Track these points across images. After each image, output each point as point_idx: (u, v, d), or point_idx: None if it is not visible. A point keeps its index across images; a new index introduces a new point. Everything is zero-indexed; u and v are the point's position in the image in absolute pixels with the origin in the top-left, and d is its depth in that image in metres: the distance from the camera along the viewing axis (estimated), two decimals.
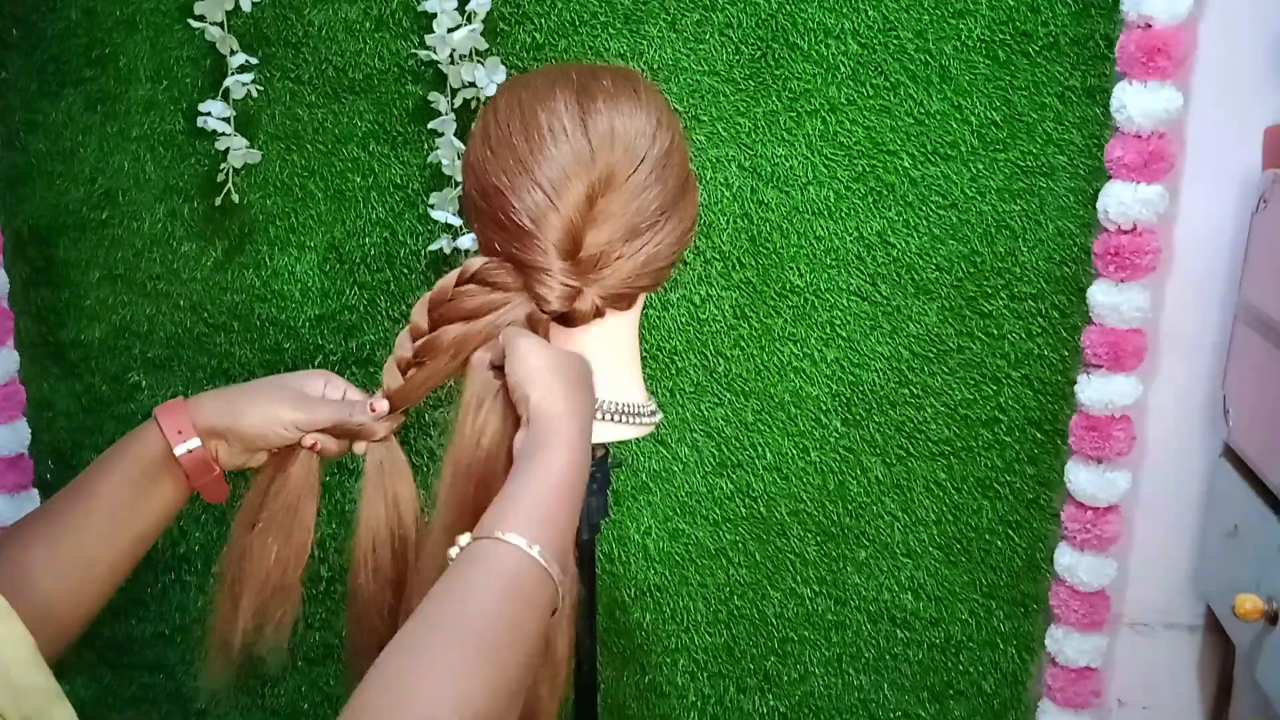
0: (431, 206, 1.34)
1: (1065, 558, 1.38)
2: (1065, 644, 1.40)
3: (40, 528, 0.78)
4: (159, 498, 0.81)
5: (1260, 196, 1.27)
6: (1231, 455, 1.35)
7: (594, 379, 0.77)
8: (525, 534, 0.64)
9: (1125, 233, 1.26)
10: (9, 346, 1.40)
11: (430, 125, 1.30)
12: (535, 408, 0.71)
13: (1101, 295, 1.29)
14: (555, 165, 0.78)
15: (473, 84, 1.28)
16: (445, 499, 0.76)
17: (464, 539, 0.65)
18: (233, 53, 1.28)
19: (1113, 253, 1.26)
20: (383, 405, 0.82)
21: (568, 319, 0.80)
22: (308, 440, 0.82)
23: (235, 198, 1.36)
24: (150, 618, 1.51)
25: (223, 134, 1.30)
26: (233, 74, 1.29)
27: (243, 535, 0.84)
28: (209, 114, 1.29)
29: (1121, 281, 1.27)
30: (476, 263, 0.80)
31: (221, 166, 1.34)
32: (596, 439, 0.86)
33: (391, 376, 0.82)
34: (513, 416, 0.75)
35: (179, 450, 0.80)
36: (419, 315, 0.81)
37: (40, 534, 0.77)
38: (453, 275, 0.81)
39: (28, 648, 0.59)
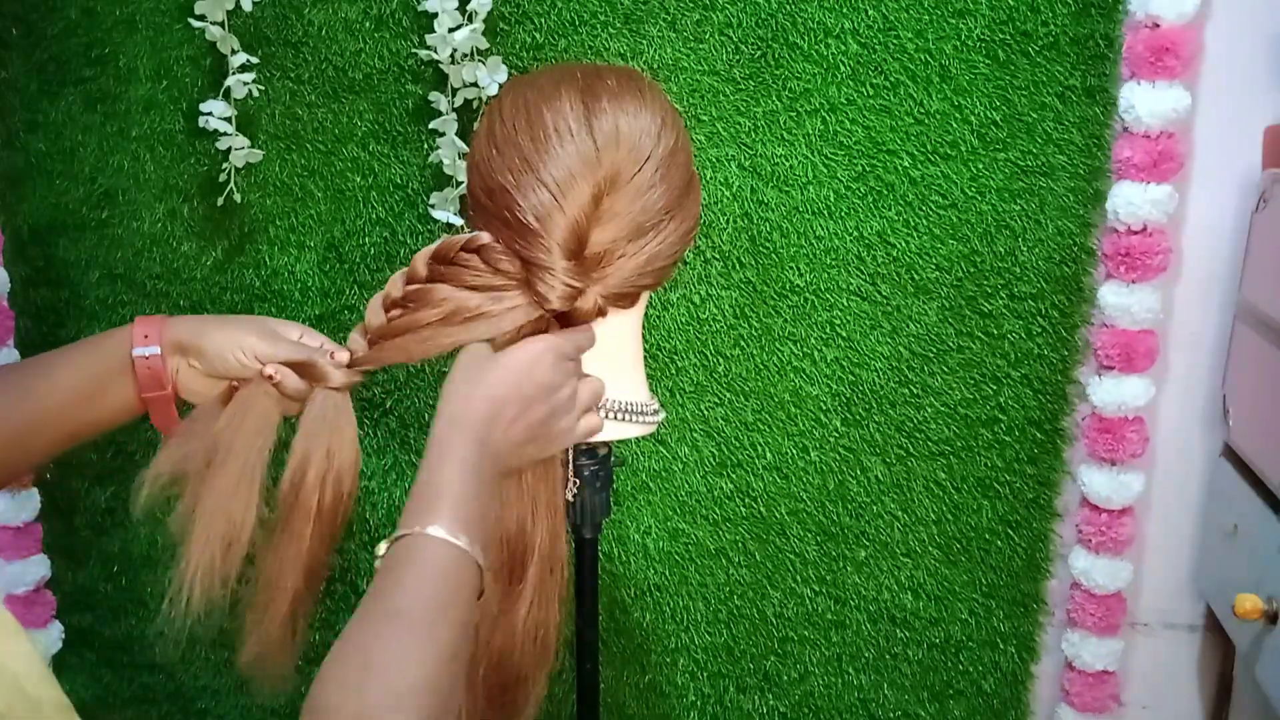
0: (432, 206, 1.34)
1: (1081, 561, 1.38)
2: (1082, 648, 1.40)
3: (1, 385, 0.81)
4: (112, 398, 0.82)
5: (1260, 196, 1.27)
6: (1231, 455, 1.35)
7: (498, 363, 0.78)
8: (446, 525, 0.70)
9: (1135, 233, 1.26)
10: (9, 346, 1.40)
11: (431, 125, 1.30)
12: (438, 409, 0.76)
13: (1112, 296, 1.29)
14: (561, 164, 0.78)
15: (474, 83, 1.27)
16: None
17: (381, 547, 0.71)
18: (234, 52, 1.28)
19: (1123, 254, 1.26)
20: (343, 355, 0.82)
21: (569, 318, 0.80)
22: (268, 370, 0.81)
23: (237, 198, 1.36)
24: (150, 618, 1.51)
25: (224, 134, 1.30)
26: (234, 73, 1.29)
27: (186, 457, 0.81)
28: (210, 114, 1.29)
29: (1132, 283, 1.27)
30: (486, 236, 0.80)
31: (223, 166, 1.34)
32: (600, 438, 0.86)
33: (374, 313, 0.81)
34: None
35: (136, 352, 0.81)
36: (419, 262, 0.81)
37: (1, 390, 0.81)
38: (461, 237, 0.81)
39: (38, 663, 0.62)
